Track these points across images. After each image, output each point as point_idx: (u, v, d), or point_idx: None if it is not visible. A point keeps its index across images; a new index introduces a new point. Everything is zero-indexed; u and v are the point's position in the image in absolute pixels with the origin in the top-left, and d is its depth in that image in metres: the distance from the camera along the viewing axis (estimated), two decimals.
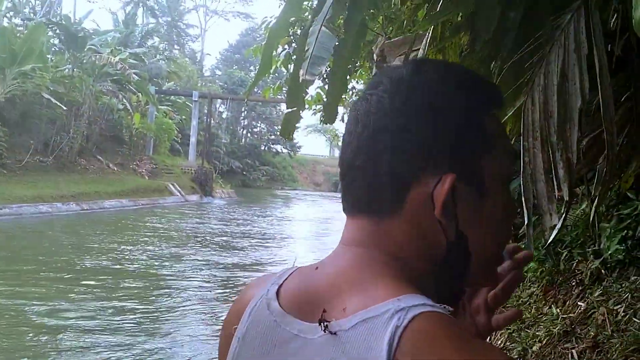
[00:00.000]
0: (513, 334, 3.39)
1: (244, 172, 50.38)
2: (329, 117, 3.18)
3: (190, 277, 10.24)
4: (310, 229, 21.46)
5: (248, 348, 0.67)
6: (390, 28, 4.24)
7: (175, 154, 37.55)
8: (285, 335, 0.64)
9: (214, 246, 14.11)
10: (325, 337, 0.59)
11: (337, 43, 2.71)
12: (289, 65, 6.32)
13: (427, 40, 2.80)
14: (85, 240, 13.66)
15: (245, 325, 0.69)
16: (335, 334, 0.58)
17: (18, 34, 22.67)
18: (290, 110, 3.18)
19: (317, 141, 66.68)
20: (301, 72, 2.63)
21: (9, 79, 21.00)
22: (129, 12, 37.98)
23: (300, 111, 3.27)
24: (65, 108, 22.86)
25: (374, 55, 3.18)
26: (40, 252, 11.72)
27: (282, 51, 6.70)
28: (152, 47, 36.33)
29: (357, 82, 8.02)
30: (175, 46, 50.57)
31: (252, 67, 55.74)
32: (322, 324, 0.59)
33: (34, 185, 19.89)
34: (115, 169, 27.65)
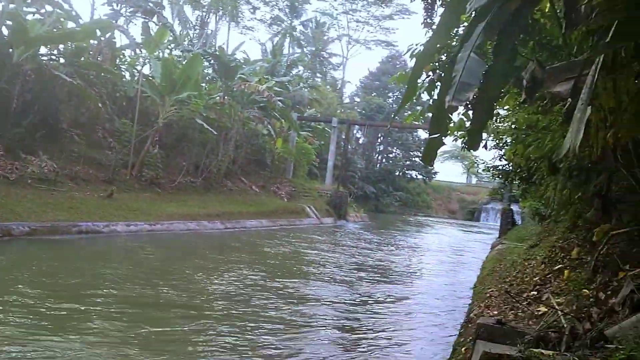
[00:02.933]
0: None
1: (378, 197, 50.95)
2: (473, 143, 3.12)
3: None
4: (440, 260, 20.55)
5: None
6: (541, 53, 4.08)
7: (313, 178, 38.74)
8: None
9: (327, 278, 13.17)
10: None
11: (486, 69, 2.67)
12: (433, 92, 6.26)
13: (597, 67, 2.67)
14: (166, 262, 13.11)
15: None
16: None
17: (177, 65, 24.76)
18: (433, 136, 3.18)
19: (453, 168, 64.95)
20: (447, 98, 2.62)
21: (167, 105, 23.03)
22: (277, 43, 40.10)
23: (443, 137, 3.26)
24: (215, 133, 24.64)
25: (524, 81, 3.07)
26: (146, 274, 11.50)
27: (425, 78, 6.65)
28: (297, 76, 38.01)
29: (502, 108, 7.73)
30: (318, 74, 52.40)
31: (390, 94, 56.21)
32: None
33: (184, 204, 21.51)
34: (257, 190, 29.14)
